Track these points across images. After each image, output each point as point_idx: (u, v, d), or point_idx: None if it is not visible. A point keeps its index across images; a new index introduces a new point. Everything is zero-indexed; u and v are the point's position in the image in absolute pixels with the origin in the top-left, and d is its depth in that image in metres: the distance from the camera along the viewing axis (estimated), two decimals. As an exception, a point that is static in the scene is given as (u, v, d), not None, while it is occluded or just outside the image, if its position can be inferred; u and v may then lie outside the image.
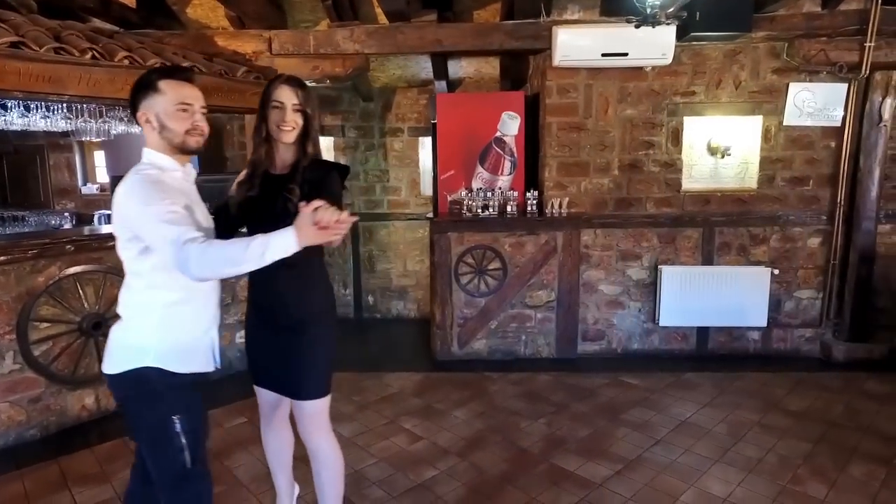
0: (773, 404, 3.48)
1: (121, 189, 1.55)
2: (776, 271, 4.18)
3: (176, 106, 1.58)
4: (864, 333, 4.21)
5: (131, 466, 1.91)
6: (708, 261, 4.24)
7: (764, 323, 4.20)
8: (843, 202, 4.12)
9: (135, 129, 3.81)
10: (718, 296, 4.15)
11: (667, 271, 4.18)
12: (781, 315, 4.31)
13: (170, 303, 1.62)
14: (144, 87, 1.60)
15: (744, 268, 4.19)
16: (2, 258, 2.96)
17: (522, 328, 4.29)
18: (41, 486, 2.64)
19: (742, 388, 3.73)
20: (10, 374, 3.03)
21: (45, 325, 3.15)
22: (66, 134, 4.80)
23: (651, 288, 4.28)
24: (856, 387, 3.73)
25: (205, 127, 1.65)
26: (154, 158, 1.62)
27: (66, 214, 4.93)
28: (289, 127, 1.84)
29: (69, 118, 3.39)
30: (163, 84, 1.59)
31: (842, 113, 4.02)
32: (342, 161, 5.43)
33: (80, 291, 3.26)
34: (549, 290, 4.25)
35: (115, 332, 1.65)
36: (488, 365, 4.16)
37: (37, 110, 3.27)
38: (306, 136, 1.89)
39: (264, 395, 2.10)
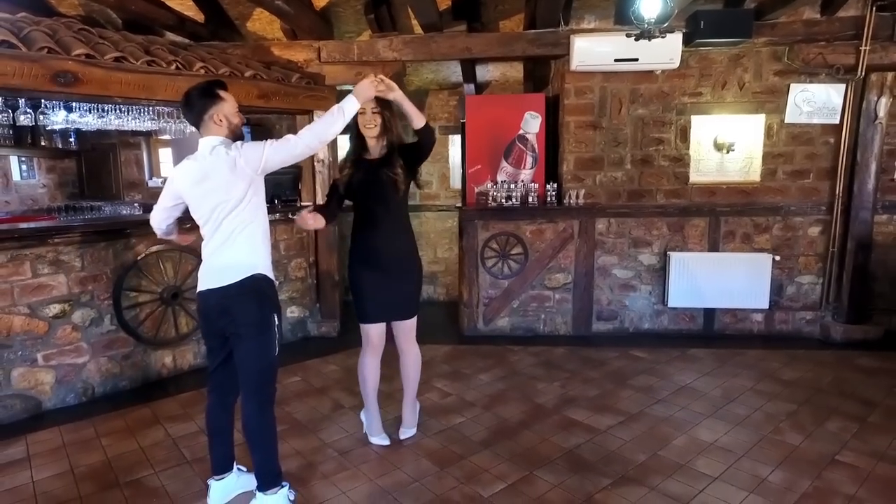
0: (768, 374, 3.85)
1: (229, 160, 2.13)
2: (777, 257, 4.53)
3: (235, 108, 2.25)
4: (861, 316, 4.53)
5: (208, 390, 2.41)
6: (714, 248, 4.61)
7: (766, 305, 4.56)
8: (841, 194, 4.45)
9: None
10: (723, 280, 4.52)
11: (675, 257, 4.57)
12: (784, 298, 4.65)
13: (264, 230, 2.27)
14: (212, 96, 2.19)
15: (746, 254, 4.55)
16: (105, 236, 3.56)
17: (542, 307, 4.74)
18: (140, 423, 3.22)
19: (741, 361, 4.10)
20: (108, 333, 3.63)
21: (134, 293, 3.74)
22: (135, 133, 5.44)
23: (661, 272, 4.67)
24: (848, 362, 4.06)
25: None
26: (224, 140, 2.22)
27: (135, 205, 5.55)
28: (370, 125, 2.56)
29: (153, 119, 3.98)
30: (223, 94, 2.22)
31: (840, 111, 4.35)
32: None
33: (162, 266, 3.84)
34: (567, 274, 4.69)
35: (229, 256, 2.19)
36: (510, 340, 4.62)
37: (128, 112, 3.86)
38: (387, 130, 2.59)
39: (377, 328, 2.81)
